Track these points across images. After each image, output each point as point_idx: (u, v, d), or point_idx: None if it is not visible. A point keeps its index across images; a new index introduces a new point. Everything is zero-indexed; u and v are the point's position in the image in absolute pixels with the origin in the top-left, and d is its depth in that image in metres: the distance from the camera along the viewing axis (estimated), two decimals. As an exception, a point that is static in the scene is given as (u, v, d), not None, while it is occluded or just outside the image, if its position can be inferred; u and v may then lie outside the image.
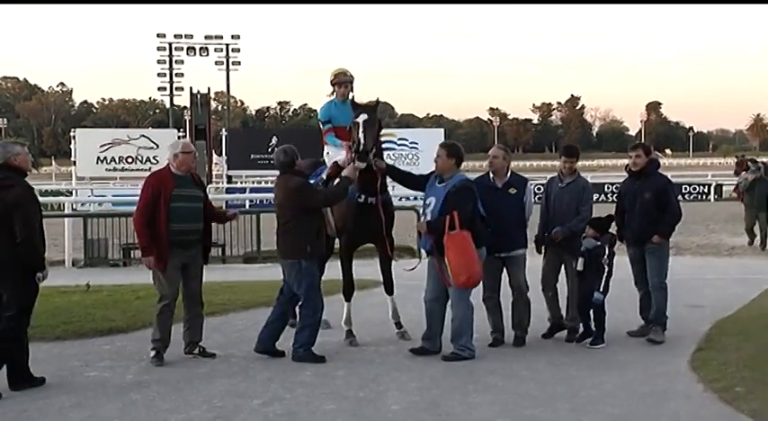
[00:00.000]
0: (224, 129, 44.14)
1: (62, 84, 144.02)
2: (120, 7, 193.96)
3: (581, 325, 7.83)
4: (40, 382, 6.56)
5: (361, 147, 7.33)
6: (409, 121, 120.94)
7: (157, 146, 36.28)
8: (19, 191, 6.40)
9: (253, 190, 32.67)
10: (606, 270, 7.62)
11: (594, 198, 8.76)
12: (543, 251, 8.17)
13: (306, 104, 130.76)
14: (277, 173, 7.72)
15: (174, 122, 50.62)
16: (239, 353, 7.51)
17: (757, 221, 16.32)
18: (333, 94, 8.26)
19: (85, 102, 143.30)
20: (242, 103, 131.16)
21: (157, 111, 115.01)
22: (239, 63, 51.84)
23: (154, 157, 36.04)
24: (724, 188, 32.88)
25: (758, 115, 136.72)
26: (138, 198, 7.38)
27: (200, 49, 50.83)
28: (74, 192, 33.55)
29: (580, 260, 7.67)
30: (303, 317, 7.37)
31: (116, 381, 6.67)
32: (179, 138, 40.79)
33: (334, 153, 8.18)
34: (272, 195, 7.89)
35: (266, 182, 32.37)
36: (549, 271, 8.06)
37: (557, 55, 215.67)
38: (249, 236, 14.84)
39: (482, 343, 7.60)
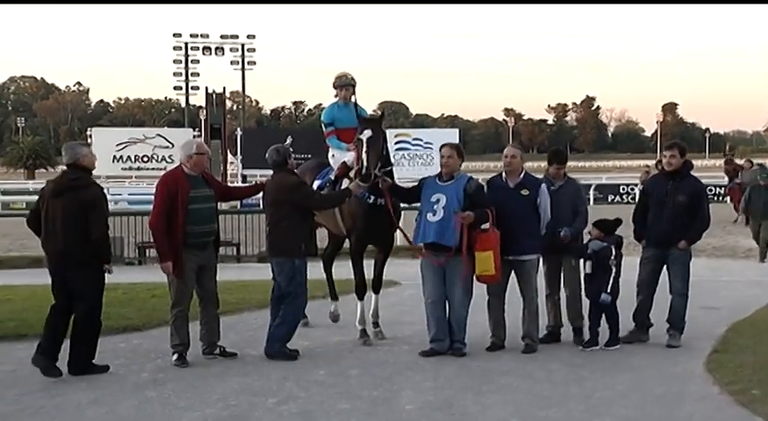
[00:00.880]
0: (239, 129, 44.40)
1: (79, 83, 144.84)
2: (136, 7, 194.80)
3: (588, 326, 7.71)
4: (104, 369, 6.85)
5: (365, 170, 7.45)
6: (424, 121, 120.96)
7: (173, 145, 36.53)
8: (95, 190, 6.80)
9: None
10: (614, 271, 7.50)
11: (610, 199, 8.71)
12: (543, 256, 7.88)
13: (320, 104, 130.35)
14: None
15: (190, 122, 50.79)
16: (254, 352, 7.53)
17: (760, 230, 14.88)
18: (336, 96, 8.41)
19: (102, 101, 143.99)
20: (257, 103, 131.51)
21: (173, 110, 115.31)
22: (254, 63, 51.97)
23: (169, 156, 36.27)
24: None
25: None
26: (153, 200, 7.38)
27: (216, 48, 51.02)
28: (90, 190, 33.60)
29: (588, 263, 7.58)
30: (285, 313, 7.41)
31: (132, 379, 6.71)
32: (194, 137, 41.00)
33: (339, 155, 8.28)
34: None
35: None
36: (552, 275, 7.88)
37: (572, 55, 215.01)
38: (264, 235, 14.82)
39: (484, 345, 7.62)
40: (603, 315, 7.63)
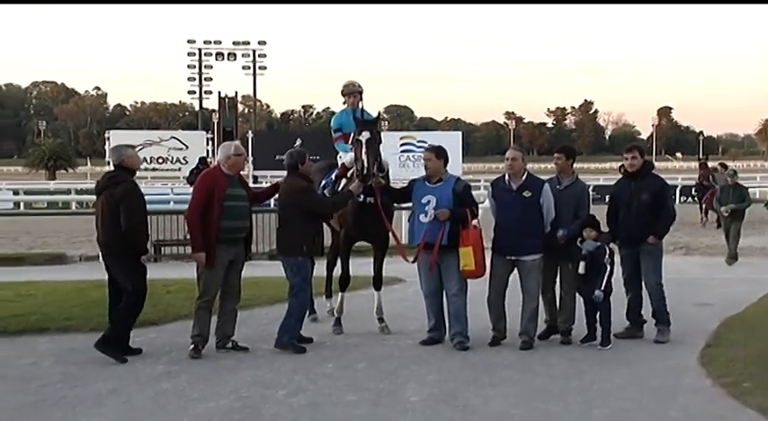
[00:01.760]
0: (250, 132, 44.41)
1: (97, 88, 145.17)
2: (152, 16, 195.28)
3: (585, 322, 7.63)
4: (137, 352, 7.16)
5: (365, 170, 7.57)
6: (428, 124, 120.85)
7: (187, 147, 36.60)
8: (126, 186, 7.11)
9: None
10: (608, 269, 7.42)
11: (606, 199, 8.65)
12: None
13: (329, 107, 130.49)
14: None
15: (203, 125, 50.80)
16: (265, 346, 7.53)
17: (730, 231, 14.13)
18: (344, 103, 8.54)
19: (119, 105, 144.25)
20: (267, 107, 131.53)
21: (187, 113, 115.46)
22: (265, 68, 51.98)
23: (183, 158, 36.33)
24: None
25: (767, 120, 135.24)
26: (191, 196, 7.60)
27: (228, 54, 51.01)
28: (108, 190, 33.62)
29: (582, 263, 7.44)
30: (290, 306, 7.52)
31: (148, 371, 6.72)
32: (208, 140, 41.09)
33: (344, 157, 8.40)
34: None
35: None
36: (547, 273, 7.70)
37: (571, 61, 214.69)
38: (274, 233, 14.82)
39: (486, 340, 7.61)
40: (597, 313, 7.52)
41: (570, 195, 7.69)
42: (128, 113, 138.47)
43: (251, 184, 8.87)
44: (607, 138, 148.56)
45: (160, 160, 37.96)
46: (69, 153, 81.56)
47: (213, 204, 7.16)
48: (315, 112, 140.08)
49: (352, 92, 8.43)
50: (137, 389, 6.19)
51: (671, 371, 6.68)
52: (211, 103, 51.39)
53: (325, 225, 8.24)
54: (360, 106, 8.37)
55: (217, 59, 51.13)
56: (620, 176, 8.25)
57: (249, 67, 51.62)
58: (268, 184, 9.77)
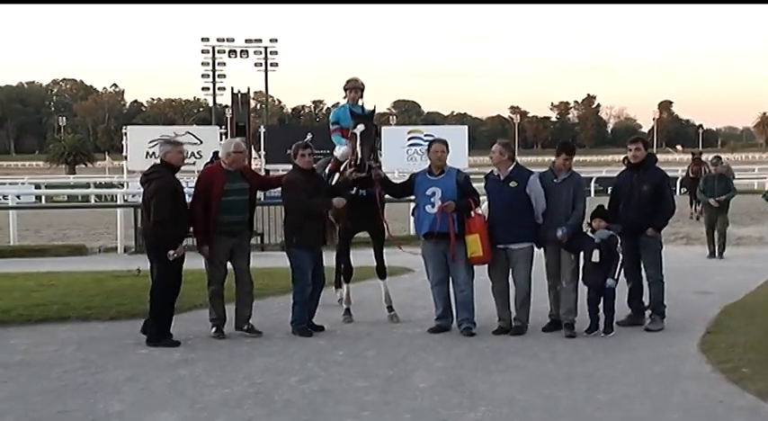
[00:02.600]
0: (262, 127, 44.40)
1: (115, 85, 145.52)
2: (167, 14, 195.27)
3: (588, 312, 7.49)
4: (176, 344, 7.13)
5: (359, 161, 7.62)
6: (435, 119, 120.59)
7: (201, 141, 36.62)
8: (158, 183, 7.15)
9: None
10: (620, 258, 7.32)
11: (609, 190, 8.58)
12: (543, 247, 7.67)
13: (338, 103, 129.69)
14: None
15: (217, 120, 50.82)
16: (278, 334, 7.56)
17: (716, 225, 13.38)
18: (345, 98, 8.59)
19: (136, 101, 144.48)
20: (279, 102, 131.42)
21: (201, 109, 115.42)
22: (277, 64, 51.83)
23: (198, 152, 36.31)
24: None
25: (765, 113, 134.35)
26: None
27: (241, 51, 50.89)
28: (125, 184, 33.84)
29: (596, 252, 7.30)
30: (293, 295, 7.65)
31: (165, 358, 6.74)
32: (221, 135, 41.09)
33: (337, 150, 8.44)
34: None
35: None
36: (553, 266, 7.58)
37: (574, 56, 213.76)
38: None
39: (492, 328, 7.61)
40: (602, 301, 7.40)
41: (567, 188, 7.52)
42: (144, 109, 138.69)
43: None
44: (609, 131, 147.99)
45: (175, 155, 37.86)
46: (88, 148, 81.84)
47: (212, 199, 7.29)
48: (325, 108, 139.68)
49: (354, 87, 8.50)
50: (154, 376, 6.21)
51: (672, 357, 6.66)
52: (225, 99, 51.20)
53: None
54: (360, 102, 8.46)
55: (230, 57, 51.00)
56: (623, 168, 8.18)
57: (261, 64, 51.47)
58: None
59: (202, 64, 51.43)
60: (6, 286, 9.94)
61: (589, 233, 7.47)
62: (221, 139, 39.88)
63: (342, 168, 8.09)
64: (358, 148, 7.65)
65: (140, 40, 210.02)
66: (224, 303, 7.55)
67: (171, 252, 7.04)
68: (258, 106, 65.55)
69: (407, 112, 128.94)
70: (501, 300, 7.62)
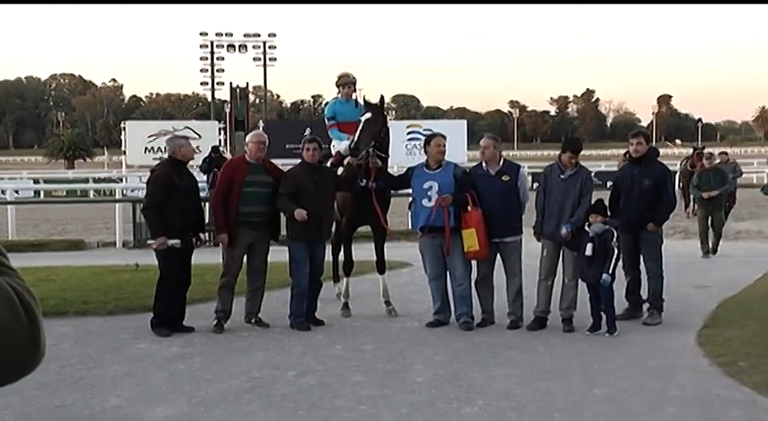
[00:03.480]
0: (261, 121, 44.28)
1: (114, 79, 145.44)
2: (165, 9, 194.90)
3: (590, 312, 7.39)
4: (190, 330, 7.39)
5: (353, 144, 7.68)
6: (434, 113, 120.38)
7: (200, 136, 36.53)
8: (154, 174, 7.42)
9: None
10: (615, 253, 7.21)
11: (608, 185, 8.57)
12: (541, 240, 7.64)
13: (338, 98, 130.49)
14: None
15: (216, 115, 50.70)
16: (276, 328, 7.57)
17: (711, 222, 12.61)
18: (338, 93, 8.58)
19: (135, 96, 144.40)
20: (278, 97, 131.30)
21: (200, 104, 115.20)
22: (275, 59, 51.74)
23: (197, 147, 36.15)
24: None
25: (764, 107, 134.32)
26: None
27: (239, 46, 50.77)
28: (124, 179, 33.81)
29: (589, 245, 7.22)
30: (291, 288, 7.72)
31: (162, 353, 6.74)
32: (220, 130, 41.08)
33: (338, 145, 8.43)
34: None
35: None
36: (549, 261, 7.52)
37: (573, 51, 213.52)
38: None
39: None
40: (601, 298, 7.27)
41: (574, 184, 7.46)
42: (143, 104, 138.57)
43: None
44: (608, 125, 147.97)
45: (174, 149, 37.85)
46: (87, 143, 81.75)
47: (233, 190, 7.40)
48: (324, 102, 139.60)
49: (347, 82, 8.50)
50: (152, 371, 6.21)
51: (669, 351, 6.66)
52: (223, 93, 51.26)
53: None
54: (353, 96, 8.48)
55: (228, 51, 50.89)
56: (626, 162, 8.14)
57: (260, 59, 51.38)
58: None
59: (201, 59, 51.32)
60: (4, 281, 9.92)
61: (586, 227, 7.41)
62: (220, 134, 39.93)
63: (345, 162, 8.09)
64: (357, 133, 7.69)
65: (139, 34, 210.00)
66: (233, 297, 7.59)
67: (150, 241, 7.21)
68: (257, 101, 65.46)
69: (406, 107, 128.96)
70: (485, 293, 7.67)
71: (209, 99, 56.90)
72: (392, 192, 8.33)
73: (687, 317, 7.80)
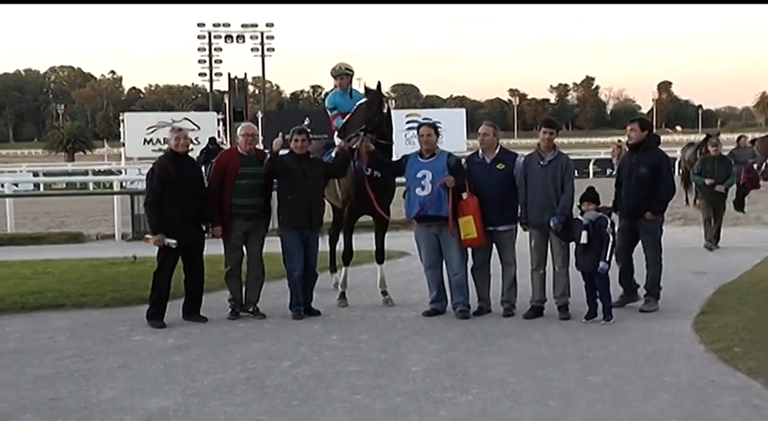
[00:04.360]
0: (260, 112, 44.22)
1: (113, 71, 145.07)
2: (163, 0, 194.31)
3: (585, 299, 7.35)
4: (203, 320, 7.48)
5: (341, 126, 7.76)
6: (434, 102, 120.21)
7: (199, 127, 36.40)
8: (152, 168, 7.51)
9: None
10: (610, 239, 7.17)
11: (608, 172, 8.57)
12: (528, 230, 7.57)
13: (336, 89, 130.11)
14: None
15: (215, 106, 50.59)
16: (272, 319, 7.58)
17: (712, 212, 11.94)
18: (335, 85, 8.56)
19: (134, 88, 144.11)
20: (278, 87, 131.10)
21: (199, 95, 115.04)
22: (273, 49, 51.60)
23: (195, 138, 36.06)
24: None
25: (764, 93, 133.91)
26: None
27: (237, 36, 50.66)
28: (123, 171, 33.75)
29: (583, 233, 7.16)
30: (287, 278, 7.78)
31: (158, 345, 6.74)
32: (219, 121, 41.00)
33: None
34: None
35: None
36: (539, 249, 7.47)
37: (572, 38, 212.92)
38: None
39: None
40: (597, 286, 7.25)
41: (554, 170, 7.38)
42: (142, 96, 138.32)
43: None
44: (608, 112, 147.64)
45: (173, 141, 37.81)
46: (87, 135, 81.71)
47: (226, 182, 7.44)
48: (323, 92, 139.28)
49: (341, 73, 8.46)
50: (147, 363, 6.21)
51: (665, 337, 6.66)
52: (222, 84, 51.17)
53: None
54: (349, 88, 8.43)
55: (226, 42, 50.78)
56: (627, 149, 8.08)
57: (258, 49, 51.26)
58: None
59: (199, 50, 51.21)
60: (2, 274, 9.94)
61: (578, 216, 7.38)
62: (219, 125, 39.84)
63: (336, 144, 8.10)
64: (348, 116, 7.68)
65: (137, 26, 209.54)
66: (241, 285, 7.70)
67: (148, 236, 7.31)
68: (256, 91, 65.39)
69: (406, 96, 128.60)
70: (481, 282, 7.67)
71: (208, 90, 56.77)
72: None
73: (684, 304, 7.80)
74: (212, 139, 20.72)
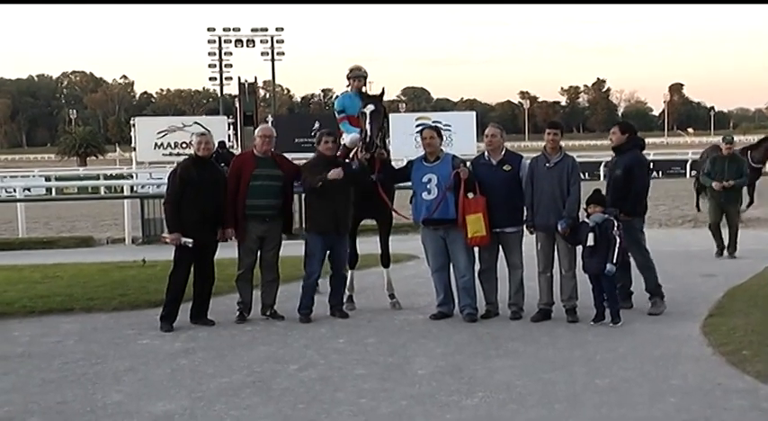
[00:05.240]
0: (270, 116, 44.33)
1: (125, 76, 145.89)
2: (173, 5, 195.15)
3: (593, 302, 7.32)
4: (211, 323, 7.50)
5: (368, 138, 7.61)
6: (444, 105, 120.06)
7: (209, 131, 36.58)
8: (174, 169, 7.61)
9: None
10: (617, 241, 7.12)
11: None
12: (534, 233, 7.52)
13: (348, 91, 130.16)
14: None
15: (225, 110, 50.77)
16: (279, 323, 7.59)
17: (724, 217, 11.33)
18: (348, 86, 8.52)
19: (145, 92, 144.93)
20: (288, 91, 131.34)
21: (210, 99, 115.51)
22: (283, 53, 51.73)
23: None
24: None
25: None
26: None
27: (247, 41, 50.80)
28: (134, 175, 33.87)
29: (590, 235, 7.14)
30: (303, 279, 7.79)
31: (166, 348, 6.76)
32: (229, 125, 41.11)
33: (345, 138, 8.36)
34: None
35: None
36: (546, 252, 7.45)
37: (584, 40, 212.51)
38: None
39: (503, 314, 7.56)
40: (604, 288, 7.22)
41: (560, 172, 7.36)
42: (154, 100, 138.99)
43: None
44: (620, 115, 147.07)
45: (184, 145, 37.87)
46: (99, 140, 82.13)
47: (241, 184, 7.48)
48: (334, 96, 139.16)
49: (357, 76, 8.45)
50: (154, 366, 6.22)
51: (673, 340, 6.62)
52: (232, 88, 51.14)
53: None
54: (363, 90, 8.43)
55: (236, 46, 50.94)
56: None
57: (268, 53, 51.38)
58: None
59: (209, 54, 51.39)
60: (12, 278, 10.00)
61: (585, 218, 7.35)
62: (229, 129, 39.96)
63: (351, 155, 8.06)
64: (367, 127, 7.65)
65: (148, 31, 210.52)
66: (251, 289, 7.71)
67: (165, 235, 7.39)
68: (267, 95, 65.51)
69: (417, 99, 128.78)
70: (489, 285, 7.64)
71: (219, 94, 56.93)
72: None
73: (693, 306, 7.76)
74: (222, 143, 20.78)
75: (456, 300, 7.64)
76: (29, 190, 24.91)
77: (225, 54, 51.07)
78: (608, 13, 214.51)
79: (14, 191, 22.44)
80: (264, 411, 5.14)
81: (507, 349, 6.51)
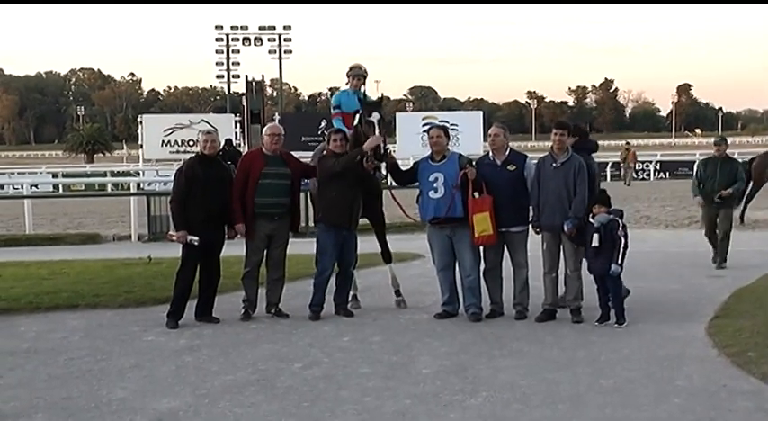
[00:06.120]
0: (276, 114, 44.35)
1: (132, 74, 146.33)
2: (181, 2, 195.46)
3: (598, 302, 7.30)
4: (216, 321, 7.52)
5: (382, 150, 7.60)
6: (451, 105, 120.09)
7: (216, 129, 36.62)
8: (179, 167, 7.73)
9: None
10: (622, 242, 7.10)
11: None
12: (540, 233, 7.50)
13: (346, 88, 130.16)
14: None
15: (232, 108, 50.79)
16: (284, 321, 7.59)
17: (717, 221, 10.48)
18: (347, 84, 8.52)
19: (153, 90, 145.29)
20: (295, 90, 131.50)
21: (217, 97, 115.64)
22: (291, 52, 51.73)
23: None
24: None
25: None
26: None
27: (255, 39, 50.82)
28: (141, 172, 33.95)
29: (595, 236, 7.11)
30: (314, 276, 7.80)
31: (171, 345, 6.77)
32: (236, 123, 41.16)
33: None
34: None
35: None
36: (551, 253, 7.42)
37: (591, 40, 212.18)
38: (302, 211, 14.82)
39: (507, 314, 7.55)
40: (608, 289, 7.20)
41: (566, 172, 7.32)
42: (161, 98, 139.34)
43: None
44: (627, 115, 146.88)
45: (191, 143, 37.95)
46: (106, 137, 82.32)
47: (249, 182, 7.51)
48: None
49: (357, 75, 8.44)
50: (159, 363, 6.24)
51: (678, 341, 6.60)
52: (240, 86, 51.24)
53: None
54: (362, 89, 8.43)
55: (244, 44, 50.97)
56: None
57: (275, 52, 51.40)
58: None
59: (217, 52, 51.44)
60: (19, 274, 10.04)
61: (590, 219, 7.30)
62: (236, 127, 40.00)
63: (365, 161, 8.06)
64: (380, 135, 7.59)
65: (156, 28, 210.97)
66: (257, 287, 7.73)
67: (171, 232, 7.44)
68: (274, 94, 65.56)
69: (424, 98, 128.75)
70: (494, 285, 7.64)
71: (226, 92, 57.00)
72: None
73: (698, 307, 7.74)
74: (228, 141, 20.78)
75: (461, 300, 7.64)
76: (36, 186, 25.01)
77: (232, 52, 51.10)
78: (616, 13, 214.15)
79: (22, 187, 22.53)
80: (268, 409, 5.15)
81: (512, 349, 6.50)
